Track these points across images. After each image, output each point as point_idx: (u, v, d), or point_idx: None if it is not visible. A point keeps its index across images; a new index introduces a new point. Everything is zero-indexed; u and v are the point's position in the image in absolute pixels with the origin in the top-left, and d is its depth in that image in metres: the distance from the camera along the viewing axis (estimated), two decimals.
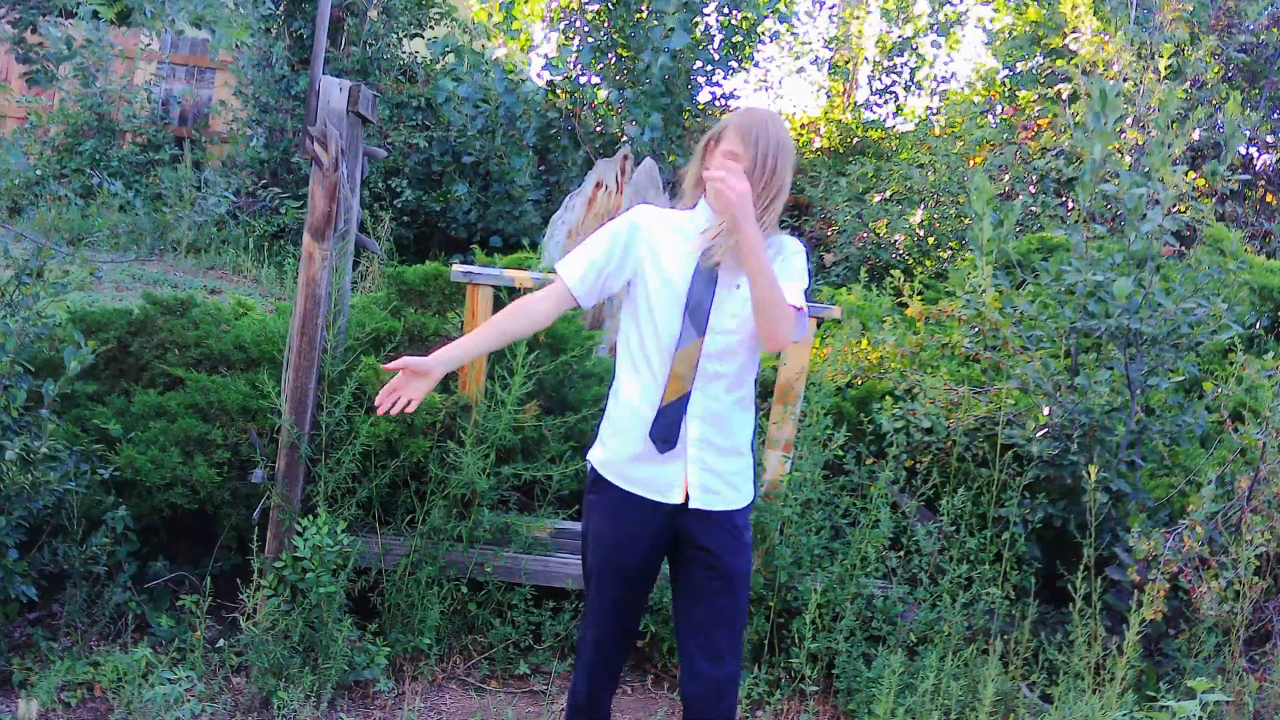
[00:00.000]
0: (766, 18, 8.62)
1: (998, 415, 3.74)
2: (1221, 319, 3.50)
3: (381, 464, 3.65)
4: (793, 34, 10.37)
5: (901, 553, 3.74)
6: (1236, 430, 3.58)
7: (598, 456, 2.56)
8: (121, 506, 3.51)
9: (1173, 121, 3.64)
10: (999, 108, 8.68)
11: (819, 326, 4.43)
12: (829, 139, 10.03)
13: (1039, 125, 8.00)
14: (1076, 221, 3.78)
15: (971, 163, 7.79)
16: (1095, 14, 7.06)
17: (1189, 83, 6.77)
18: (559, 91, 8.34)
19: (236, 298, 4.47)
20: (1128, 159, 6.28)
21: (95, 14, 3.57)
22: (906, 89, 9.97)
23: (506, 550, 3.72)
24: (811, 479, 3.70)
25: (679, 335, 2.46)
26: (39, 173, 7.97)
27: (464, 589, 3.67)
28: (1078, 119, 3.60)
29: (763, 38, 8.91)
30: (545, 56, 8.45)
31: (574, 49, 8.22)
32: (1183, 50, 6.71)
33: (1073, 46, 7.22)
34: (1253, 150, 7.72)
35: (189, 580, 3.75)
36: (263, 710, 3.29)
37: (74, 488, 3.35)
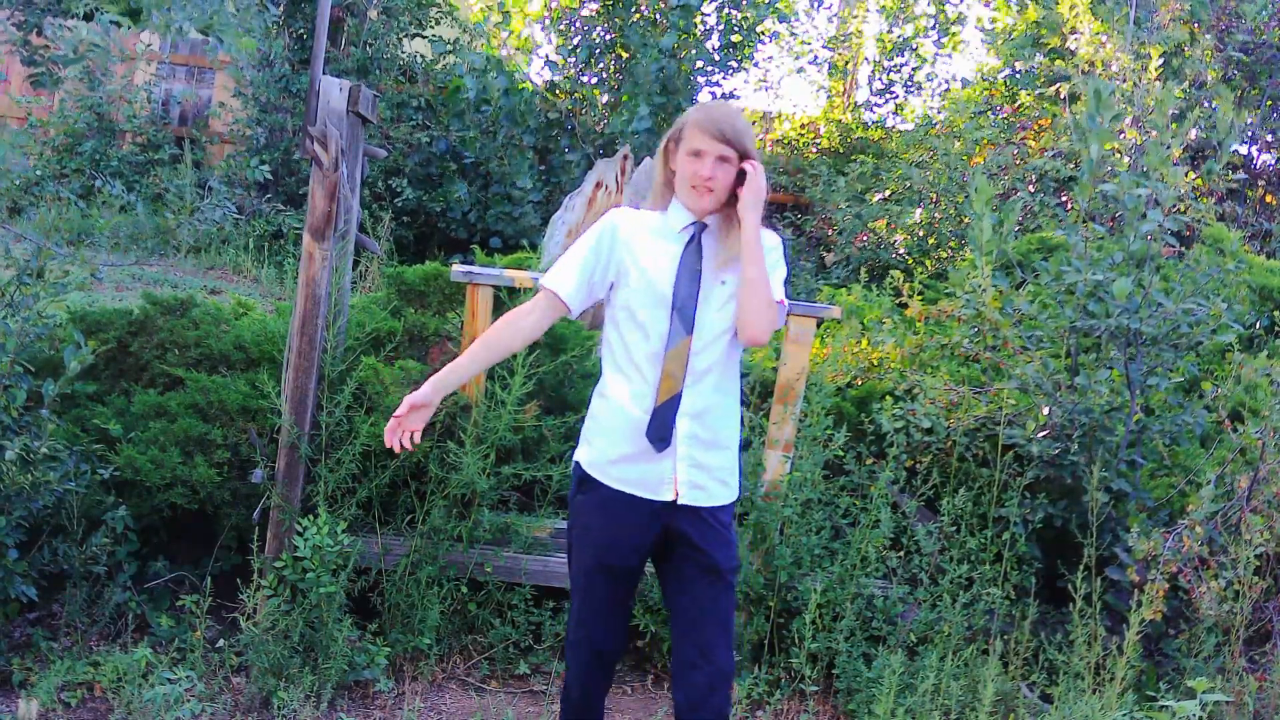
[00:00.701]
0: (766, 18, 8.62)
1: (998, 415, 3.74)
2: (1221, 319, 3.50)
3: (381, 464, 3.65)
4: (792, 34, 10.37)
5: (901, 553, 3.74)
6: (1236, 430, 3.58)
7: (585, 457, 2.56)
8: (121, 506, 3.51)
9: (1172, 121, 3.64)
10: (999, 108, 8.68)
11: (819, 326, 4.43)
12: (829, 139, 10.03)
13: (1039, 125, 8.00)
14: (1076, 221, 3.78)
15: (972, 163, 7.79)
16: (1093, 14, 7.06)
17: (1189, 83, 6.77)
18: (559, 92, 8.34)
19: (236, 298, 4.47)
20: (1127, 159, 6.28)
21: (114, 23, 3.58)
22: (906, 89, 9.97)
23: (506, 550, 3.72)
24: (811, 479, 3.70)
25: (668, 335, 2.48)
26: (39, 173, 7.97)
27: (464, 589, 3.67)
28: (1077, 119, 3.60)
29: (762, 38, 8.91)
30: (545, 57, 8.46)
31: (572, 49, 8.22)
32: (1182, 50, 6.71)
33: (1072, 47, 7.22)
34: (1253, 150, 7.72)
35: (189, 580, 3.75)
36: (263, 710, 3.29)
37: (74, 488, 3.35)
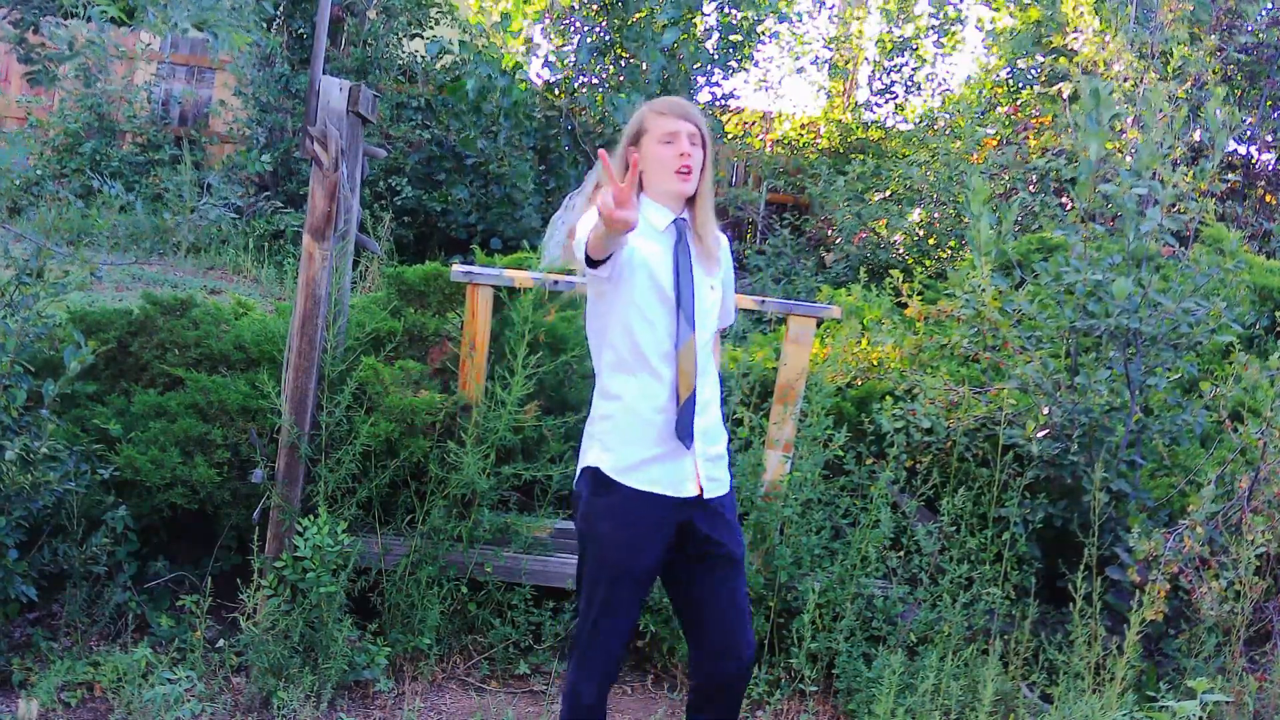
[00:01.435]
0: (766, 18, 8.62)
1: (998, 415, 3.74)
2: (1221, 319, 3.50)
3: (381, 464, 3.65)
4: (793, 34, 10.36)
5: (901, 553, 3.74)
6: (1236, 430, 3.58)
7: (605, 462, 2.53)
8: (121, 506, 3.51)
9: (1172, 121, 3.64)
10: (999, 108, 8.67)
11: (819, 326, 4.43)
12: (829, 139, 10.03)
13: (1039, 125, 8.00)
14: (1076, 222, 3.77)
15: (972, 162, 7.78)
16: (1096, 13, 7.06)
17: (1190, 82, 6.77)
18: (559, 92, 8.34)
19: (236, 298, 4.47)
20: (1128, 159, 6.27)
21: (107, 16, 3.56)
22: (907, 89, 9.97)
23: (506, 550, 3.72)
24: (811, 479, 3.70)
25: (676, 334, 2.50)
26: (39, 173, 7.97)
27: (464, 589, 3.67)
28: (1076, 119, 3.60)
29: (762, 38, 8.91)
30: (545, 57, 8.45)
31: (573, 49, 8.22)
32: (1183, 50, 6.70)
33: (1074, 46, 7.22)
34: (1253, 150, 7.72)
35: (189, 580, 3.75)
36: (263, 710, 3.29)
37: (74, 488, 3.35)
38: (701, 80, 8.49)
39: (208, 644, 3.47)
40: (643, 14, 7.89)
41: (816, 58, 10.56)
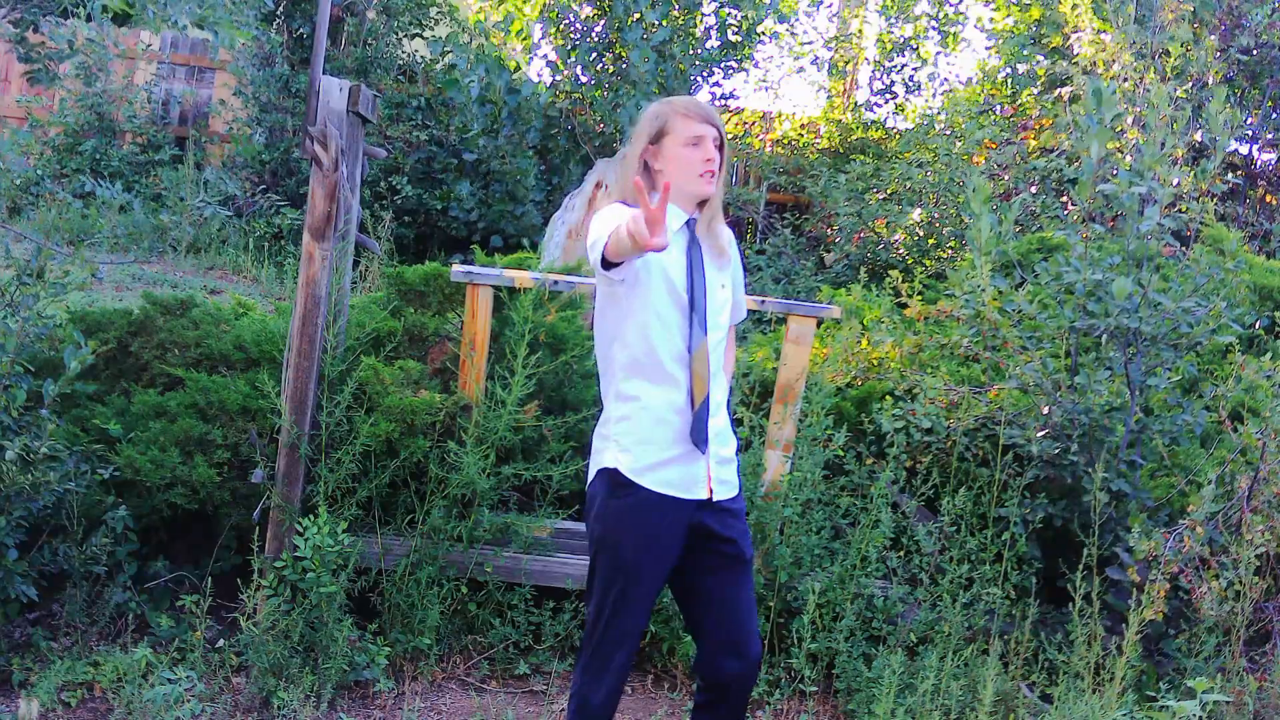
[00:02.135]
0: (766, 18, 8.62)
1: (998, 415, 3.74)
2: (1221, 319, 3.50)
3: (381, 464, 3.65)
4: (792, 34, 10.36)
5: (902, 553, 3.74)
6: (1236, 430, 3.58)
7: (623, 463, 2.53)
8: (121, 506, 3.51)
9: (1172, 121, 3.63)
10: (999, 107, 8.67)
11: (819, 326, 4.43)
12: (829, 139, 10.03)
13: (1040, 125, 8.00)
14: (1076, 221, 3.77)
15: (972, 162, 7.78)
16: (1095, 14, 7.05)
17: (1191, 82, 6.77)
18: (559, 92, 8.34)
19: (236, 298, 4.47)
20: (1128, 159, 6.27)
21: (105, 9, 3.56)
22: (907, 89, 9.97)
23: (506, 550, 3.72)
24: (811, 479, 3.70)
25: (689, 337, 2.52)
26: (39, 173, 7.97)
27: (464, 589, 3.67)
28: (1077, 119, 3.60)
29: (762, 38, 8.90)
30: (545, 57, 8.46)
31: (571, 48, 8.22)
32: (1185, 50, 6.70)
33: (1074, 46, 7.22)
34: (1253, 150, 7.71)
35: (189, 580, 3.75)
36: (263, 710, 3.29)
37: (74, 488, 3.35)
38: (700, 80, 8.48)
39: (208, 644, 3.47)
40: (639, 15, 7.89)
41: (816, 58, 10.56)
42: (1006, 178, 7.48)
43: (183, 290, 6.12)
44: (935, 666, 3.33)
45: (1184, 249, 3.88)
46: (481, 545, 3.71)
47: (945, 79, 9.91)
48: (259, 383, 3.64)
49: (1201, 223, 4.82)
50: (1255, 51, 7.29)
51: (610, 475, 2.55)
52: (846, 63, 10.42)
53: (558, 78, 8.34)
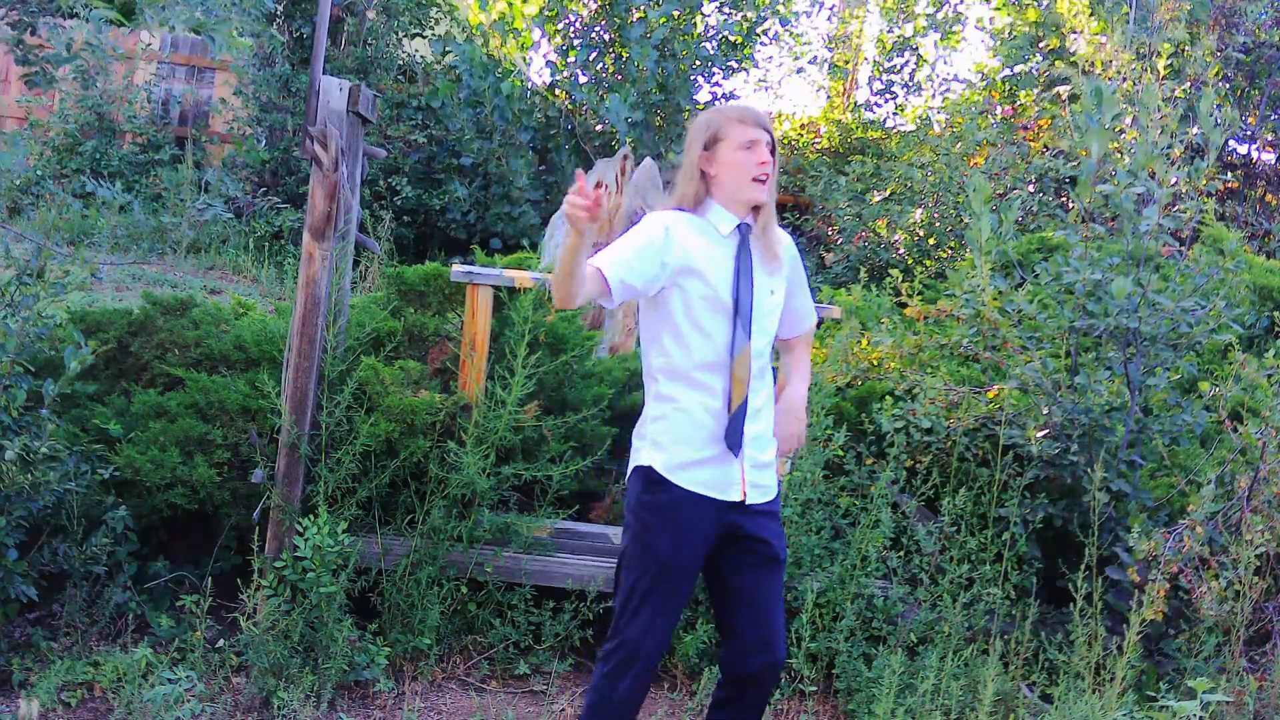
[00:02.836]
0: (766, 18, 8.62)
1: (998, 415, 3.74)
2: (1220, 318, 3.50)
3: (381, 464, 3.65)
4: (792, 34, 10.36)
5: (902, 553, 3.74)
6: (1236, 430, 3.58)
7: (659, 460, 2.57)
8: (121, 506, 3.51)
9: (1168, 121, 3.64)
10: (999, 107, 8.67)
11: (819, 326, 4.43)
12: (829, 139, 10.03)
13: (1039, 125, 8.00)
14: (1076, 221, 3.78)
15: (972, 162, 7.78)
16: (1092, 14, 7.06)
17: (1189, 82, 6.77)
18: (558, 91, 8.34)
19: (236, 298, 4.47)
20: (1127, 159, 6.26)
21: (105, 19, 3.57)
22: (906, 89, 9.97)
23: (506, 550, 3.72)
24: (811, 479, 3.70)
25: (731, 342, 2.53)
26: (39, 173, 7.97)
27: (464, 589, 3.67)
28: (1077, 119, 3.61)
29: (762, 38, 8.91)
30: (545, 57, 8.45)
31: (570, 48, 8.22)
32: (1182, 50, 6.70)
33: (1071, 46, 7.22)
34: (1253, 150, 7.71)
35: (189, 580, 3.75)
36: (263, 710, 3.29)
37: (74, 488, 3.35)
38: (701, 80, 8.48)
39: (208, 644, 3.47)
40: (640, 14, 7.88)
41: (816, 58, 10.56)
42: (1006, 177, 7.48)
43: (183, 290, 6.12)
44: (935, 666, 3.33)
45: (1183, 249, 3.88)
46: (481, 545, 3.71)
47: (945, 79, 9.91)
48: (259, 383, 3.64)
49: (1201, 222, 4.82)
50: (1253, 51, 7.29)
51: (645, 473, 2.59)
52: (846, 63, 10.42)
53: (557, 78, 8.34)
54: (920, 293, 5.02)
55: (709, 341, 2.53)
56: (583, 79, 8.22)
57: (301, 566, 3.36)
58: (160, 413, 3.67)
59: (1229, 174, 7.41)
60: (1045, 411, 3.68)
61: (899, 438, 3.72)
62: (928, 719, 3.22)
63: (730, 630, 2.66)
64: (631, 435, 2.71)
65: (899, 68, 9.97)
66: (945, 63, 10.10)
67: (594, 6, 8.22)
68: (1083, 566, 3.36)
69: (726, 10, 8.40)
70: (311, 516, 3.45)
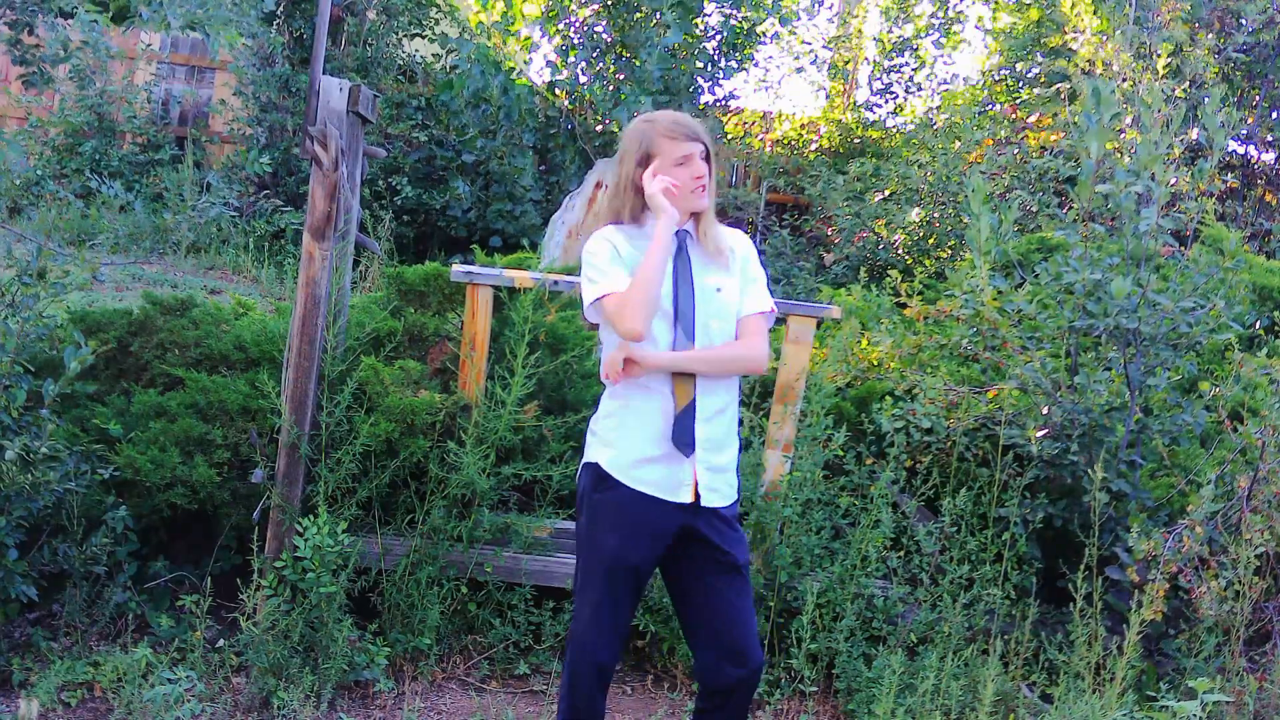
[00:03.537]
0: (767, 19, 8.62)
1: (998, 415, 3.74)
2: (1220, 318, 3.50)
3: (381, 464, 3.65)
4: (792, 34, 10.36)
5: (902, 553, 3.74)
6: (1236, 430, 3.58)
7: (604, 457, 2.58)
8: (121, 506, 3.51)
9: (1169, 121, 3.64)
10: (997, 106, 8.67)
11: (819, 326, 4.43)
12: (829, 139, 10.03)
13: (1039, 124, 8.00)
14: (1075, 221, 3.78)
15: (970, 159, 7.78)
16: (1094, 13, 7.06)
17: (1188, 82, 6.77)
18: (559, 91, 8.34)
19: (236, 298, 4.47)
20: (1127, 159, 6.27)
21: (97, 20, 3.57)
22: (906, 89, 9.97)
23: (506, 550, 3.72)
24: (811, 479, 3.70)
25: (672, 346, 2.54)
26: (39, 173, 7.97)
27: (464, 589, 3.67)
28: (1076, 118, 3.61)
29: (763, 38, 8.91)
30: (545, 57, 8.45)
31: (572, 47, 8.22)
32: (1181, 50, 6.70)
33: (1073, 46, 7.22)
34: (1252, 150, 7.71)
35: (189, 580, 3.75)
36: (263, 710, 3.29)
37: (74, 488, 3.35)
38: (702, 81, 8.49)
39: (208, 644, 3.47)
40: (643, 14, 7.88)
41: (816, 58, 10.56)
42: (1005, 177, 7.48)
43: (183, 290, 6.12)
44: (935, 666, 3.33)
45: (1183, 249, 3.88)
46: (481, 545, 3.71)
47: (945, 79, 9.91)
48: (259, 383, 3.64)
49: (1200, 222, 4.81)
50: (1252, 50, 7.29)
51: (593, 469, 2.60)
52: (846, 63, 10.41)
53: (558, 77, 8.34)
54: (920, 293, 5.02)
55: (653, 346, 2.53)
56: (583, 79, 8.22)
57: (301, 566, 3.36)
58: (160, 413, 3.67)
59: (1229, 174, 7.41)
60: (1045, 411, 3.67)
61: (899, 438, 3.72)
62: (928, 719, 3.22)
63: (700, 642, 2.64)
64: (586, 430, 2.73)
65: (899, 68, 9.97)
66: (945, 62, 10.07)
67: (595, 7, 8.22)
68: (1083, 566, 3.36)
69: (728, 10, 8.40)
70: (311, 516, 3.45)
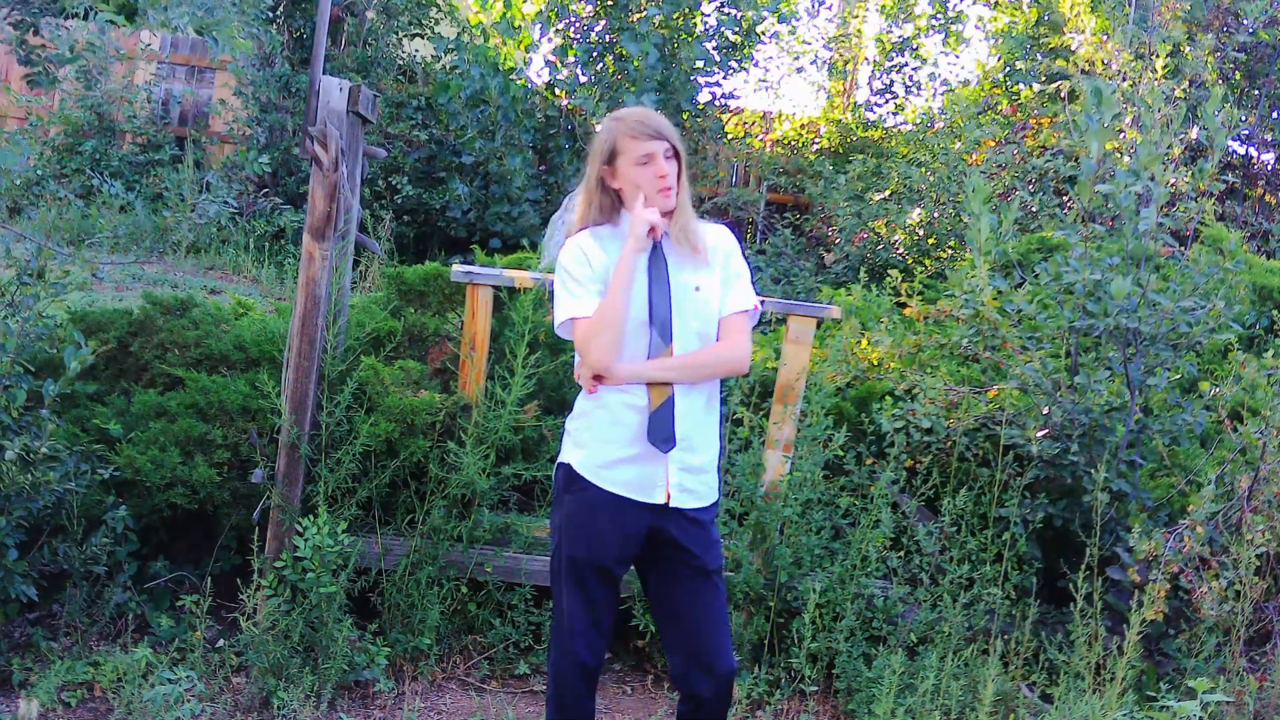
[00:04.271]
0: (766, 18, 8.61)
1: (998, 415, 3.74)
2: (1220, 318, 3.50)
3: (381, 464, 3.65)
4: (792, 33, 10.35)
5: (902, 553, 3.74)
6: (1236, 430, 3.58)
7: (576, 458, 2.58)
8: (121, 506, 3.51)
9: (1169, 121, 3.64)
10: (997, 105, 8.67)
11: (819, 326, 4.43)
12: (829, 139, 10.03)
13: (1039, 124, 8.00)
14: (1075, 221, 3.77)
15: (971, 161, 7.78)
16: (1093, 13, 7.06)
17: (1188, 82, 6.77)
18: (558, 91, 8.34)
19: (236, 298, 4.47)
20: (1127, 159, 6.26)
21: (107, 19, 3.58)
22: (907, 89, 9.96)
23: (506, 550, 3.72)
24: (811, 479, 3.70)
25: (648, 348, 2.53)
26: (39, 173, 7.97)
27: (464, 589, 3.68)
28: (1076, 118, 3.60)
29: (762, 38, 8.90)
30: (545, 57, 8.45)
31: (571, 47, 8.22)
32: (1181, 50, 6.70)
33: (1071, 45, 7.22)
34: (1252, 150, 7.71)
35: (189, 580, 3.75)
36: (263, 710, 3.29)
37: (74, 488, 3.35)
38: (701, 80, 8.48)
39: (208, 644, 3.47)
40: (640, 15, 7.88)
41: (816, 57, 10.55)
42: (1005, 177, 7.48)
43: (183, 290, 6.12)
44: (935, 666, 3.33)
45: (1183, 249, 3.88)
46: (481, 545, 3.71)
47: (945, 79, 9.90)
48: (259, 383, 3.64)
49: (1200, 222, 4.81)
50: (1252, 50, 7.29)
51: (565, 469, 2.60)
52: (846, 63, 10.41)
53: (557, 77, 8.34)
54: (920, 293, 5.02)
55: (629, 348, 2.52)
56: (583, 79, 8.22)
57: (301, 566, 3.36)
58: (160, 413, 3.67)
59: (1229, 174, 7.41)
60: (1045, 411, 3.67)
61: (899, 438, 3.72)
62: (928, 719, 3.22)
63: (668, 647, 2.62)
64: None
65: (899, 67, 9.96)
66: (949, 63, 10.07)
67: (594, 7, 8.22)
68: (1083, 566, 3.36)
69: (727, 8, 8.39)
70: (311, 516, 3.45)
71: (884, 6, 10.18)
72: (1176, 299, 3.47)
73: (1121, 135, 6.22)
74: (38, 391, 3.26)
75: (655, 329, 2.51)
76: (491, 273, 3.80)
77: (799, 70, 10.59)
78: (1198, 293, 3.55)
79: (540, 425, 3.86)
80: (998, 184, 7.45)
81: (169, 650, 3.42)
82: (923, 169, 7.99)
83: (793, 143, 10.11)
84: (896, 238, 7.94)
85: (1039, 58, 8.52)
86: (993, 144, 7.90)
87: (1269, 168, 7.70)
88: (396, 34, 8.39)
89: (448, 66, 8.34)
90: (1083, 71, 6.85)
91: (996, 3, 9.35)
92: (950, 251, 7.64)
